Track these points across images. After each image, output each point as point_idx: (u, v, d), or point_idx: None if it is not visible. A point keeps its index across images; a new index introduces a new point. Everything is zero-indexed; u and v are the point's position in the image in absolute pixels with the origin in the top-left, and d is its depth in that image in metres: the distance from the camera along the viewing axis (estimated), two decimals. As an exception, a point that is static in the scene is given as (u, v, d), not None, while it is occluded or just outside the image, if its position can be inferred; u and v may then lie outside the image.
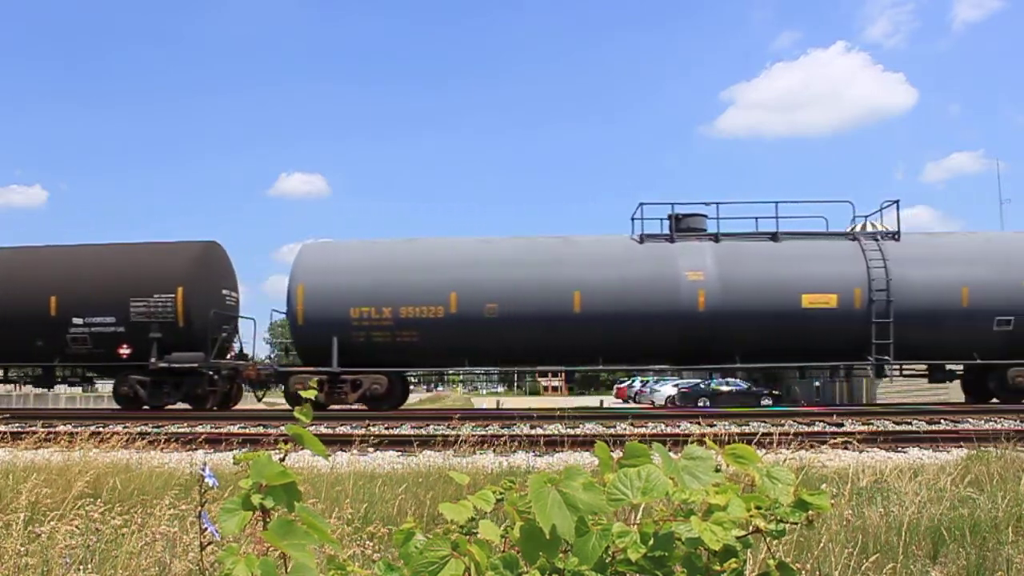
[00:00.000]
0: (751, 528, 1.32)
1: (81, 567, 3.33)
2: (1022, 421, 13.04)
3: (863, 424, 13.23)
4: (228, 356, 18.79)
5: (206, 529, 1.56)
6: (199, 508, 1.71)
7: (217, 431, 12.18)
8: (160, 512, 4.07)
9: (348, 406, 16.97)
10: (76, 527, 3.75)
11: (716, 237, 17.27)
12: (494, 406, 30.69)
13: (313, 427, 2.76)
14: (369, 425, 12.98)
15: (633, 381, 46.42)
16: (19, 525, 3.62)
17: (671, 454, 1.38)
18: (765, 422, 13.35)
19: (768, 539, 1.34)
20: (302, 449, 1.39)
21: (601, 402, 38.63)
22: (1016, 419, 13.39)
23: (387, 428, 12.57)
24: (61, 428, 11.18)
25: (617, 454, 1.41)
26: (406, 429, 12.49)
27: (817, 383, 31.44)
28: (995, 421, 13.25)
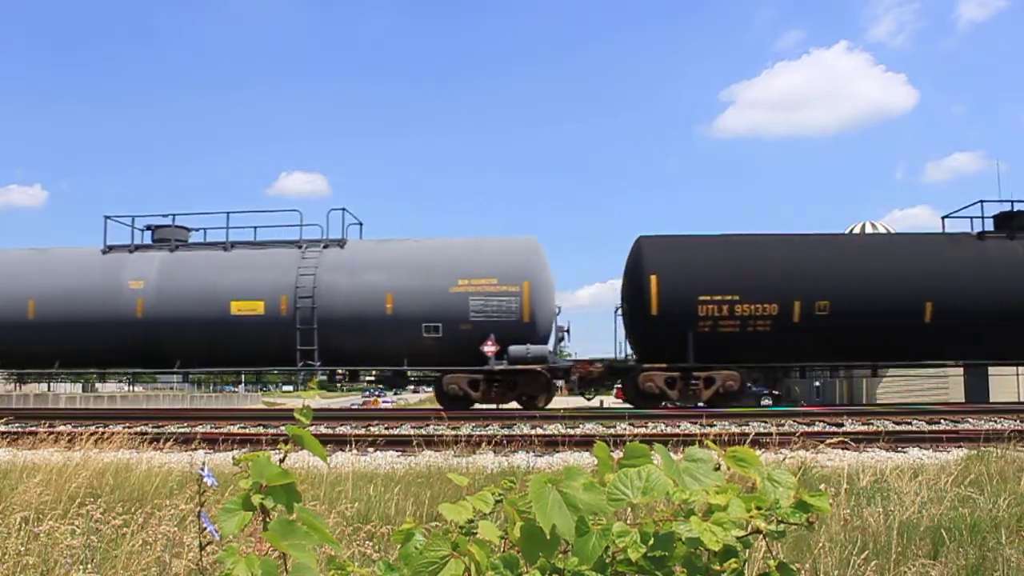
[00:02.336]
0: (751, 528, 1.32)
1: (81, 567, 3.33)
2: (1022, 421, 13.04)
3: (863, 424, 13.24)
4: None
5: (205, 529, 1.56)
6: (198, 508, 1.72)
7: (217, 431, 12.18)
8: (160, 512, 4.07)
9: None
10: (76, 527, 3.75)
11: (174, 247, 18.01)
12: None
13: (313, 427, 2.76)
14: (369, 425, 12.99)
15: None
16: (19, 525, 3.63)
17: (672, 454, 1.38)
18: (765, 422, 13.35)
19: (768, 539, 1.34)
20: (302, 449, 1.40)
21: (601, 402, 38.63)
22: (1016, 419, 13.40)
23: (387, 428, 12.58)
24: (61, 428, 11.18)
25: (617, 454, 1.41)
26: (406, 429, 12.50)
27: (817, 383, 31.48)
28: (995, 421, 13.25)
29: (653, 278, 16.84)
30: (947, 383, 26.36)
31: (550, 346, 17.37)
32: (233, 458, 1.46)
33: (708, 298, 16.56)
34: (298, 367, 16.89)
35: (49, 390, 49.06)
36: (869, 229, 23.21)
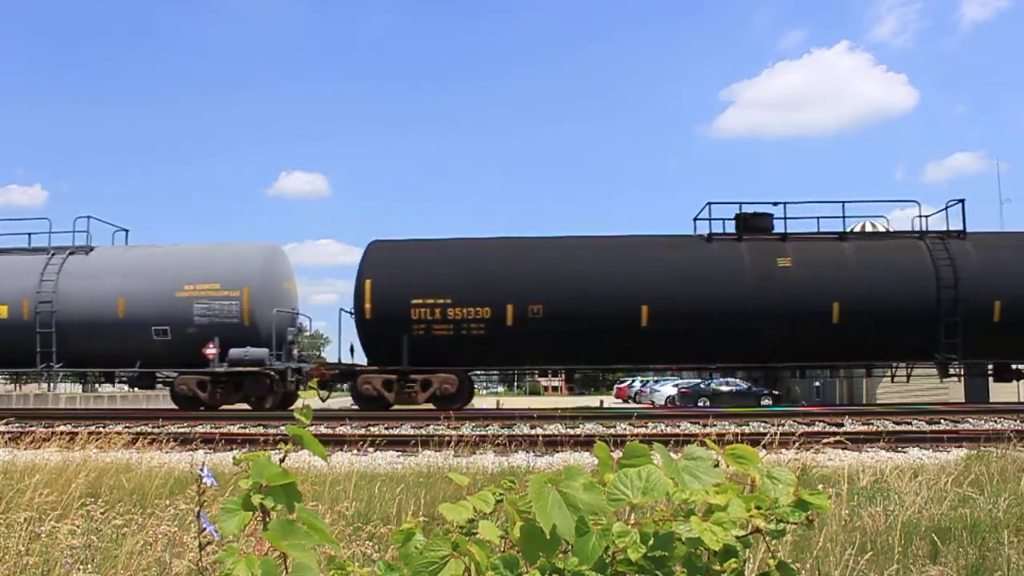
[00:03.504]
0: (751, 528, 1.32)
1: (82, 567, 3.33)
2: (1022, 421, 13.04)
3: (863, 424, 13.23)
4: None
5: (205, 529, 1.56)
6: (198, 508, 1.72)
7: (216, 431, 12.18)
8: (160, 512, 4.07)
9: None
10: (77, 527, 3.75)
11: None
12: (494, 406, 30.67)
13: (313, 427, 2.76)
14: (369, 425, 12.98)
15: (633, 381, 46.45)
16: (20, 525, 3.63)
17: (671, 454, 1.38)
18: (765, 422, 13.35)
19: (768, 539, 1.34)
20: (302, 449, 1.39)
21: (601, 402, 38.63)
22: (1016, 419, 13.39)
23: (387, 428, 12.58)
24: (61, 428, 11.18)
25: (617, 454, 1.41)
26: (406, 429, 12.49)
27: (817, 383, 31.46)
28: (995, 421, 13.25)
29: (368, 282, 17.08)
30: (947, 383, 26.34)
31: (289, 349, 18.14)
32: (233, 458, 1.46)
33: (421, 301, 16.71)
34: (38, 369, 17.74)
35: (50, 390, 48.99)
36: (869, 228, 23.17)
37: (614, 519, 1.31)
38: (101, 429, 10.68)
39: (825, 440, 8.82)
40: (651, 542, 1.28)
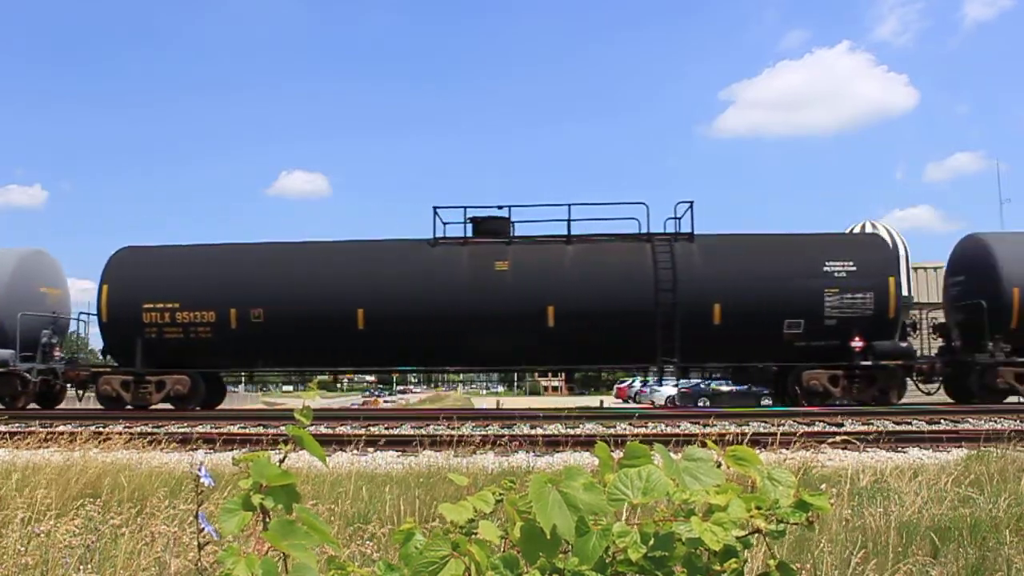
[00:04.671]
0: (751, 528, 1.32)
1: (81, 567, 3.33)
2: (1022, 421, 13.04)
3: (863, 424, 13.23)
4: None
5: (203, 529, 1.56)
6: (196, 508, 1.72)
7: (216, 431, 12.18)
8: (160, 512, 4.07)
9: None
10: (76, 527, 3.75)
11: None
12: (494, 406, 30.68)
13: (313, 427, 2.76)
14: (369, 425, 12.99)
15: (633, 381, 46.45)
16: (19, 525, 3.63)
17: (672, 454, 1.38)
18: (765, 422, 13.35)
19: (768, 539, 1.34)
20: (302, 449, 1.39)
21: (601, 402, 38.64)
22: (1016, 419, 13.39)
23: (387, 428, 12.58)
24: (61, 428, 11.18)
25: (617, 454, 1.41)
26: (406, 429, 12.50)
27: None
28: (995, 421, 13.25)
29: (104, 287, 17.70)
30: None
31: (48, 351, 19.13)
32: (233, 458, 1.46)
33: (152, 306, 17.30)
34: None
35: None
36: (869, 229, 23.18)
37: (614, 519, 1.31)
38: (101, 429, 10.68)
39: (830, 441, 8.82)
40: (651, 542, 1.28)
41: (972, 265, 18.09)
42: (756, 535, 1.33)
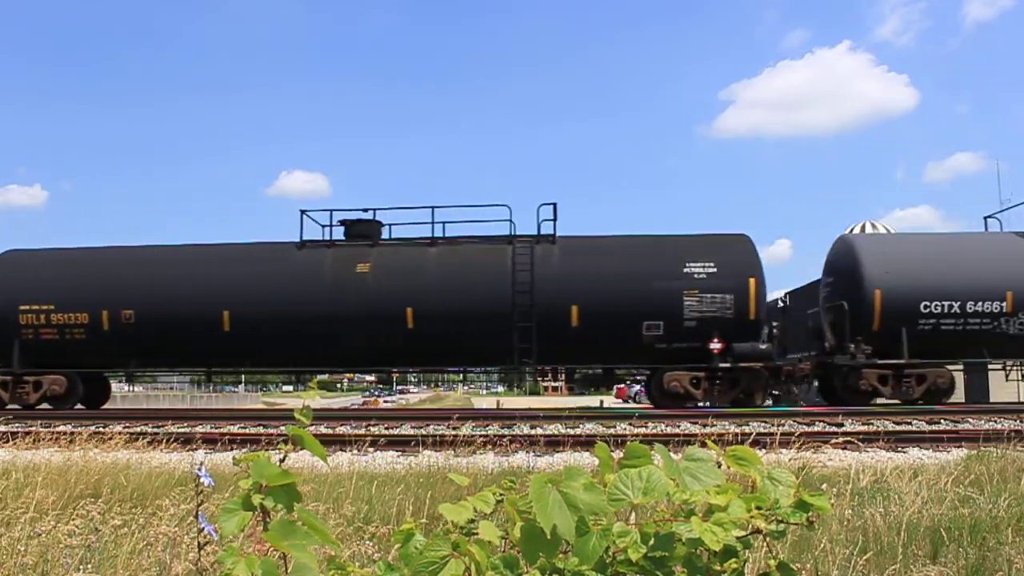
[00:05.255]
0: (751, 528, 1.32)
1: (81, 567, 3.33)
2: (1022, 421, 13.04)
3: (863, 424, 13.23)
4: None
5: (203, 529, 1.56)
6: (196, 508, 1.72)
7: (216, 431, 12.18)
8: (161, 512, 4.07)
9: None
10: (76, 527, 3.75)
11: None
12: (494, 406, 30.68)
13: (313, 427, 2.76)
14: (369, 425, 12.99)
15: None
16: (20, 525, 3.62)
17: (672, 454, 1.38)
18: (765, 422, 13.35)
19: (768, 539, 1.34)
20: (302, 449, 1.40)
21: (601, 402, 38.64)
22: (1016, 419, 13.39)
23: (387, 428, 12.58)
24: (61, 428, 11.18)
25: (618, 454, 1.41)
26: (406, 429, 12.50)
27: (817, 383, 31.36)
28: (995, 421, 13.25)
29: None
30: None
31: None
32: (233, 458, 1.46)
33: (28, 307, 17.71)
34: None
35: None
36: (869, 229, 23.21)
37: (614, 519, 1.31)
38: (102, 429, 10.68)
39: (832, 441, 8.82)
40: (651, 542, 1.28)
41: (840, 267, 17.99)
42: (756, 535, 1.33)
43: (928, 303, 16.77)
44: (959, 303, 16.78)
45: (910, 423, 13.25)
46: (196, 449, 10.16)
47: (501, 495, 1.49)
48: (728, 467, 1.39)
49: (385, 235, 18.00)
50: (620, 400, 46.65)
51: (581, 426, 12.71)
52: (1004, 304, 16.76)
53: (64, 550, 3.39)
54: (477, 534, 1.36)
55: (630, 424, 13.38)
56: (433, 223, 17.46)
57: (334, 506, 4.94)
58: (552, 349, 16.62)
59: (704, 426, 12.42)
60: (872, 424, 13.20)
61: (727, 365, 16.58)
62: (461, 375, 20.99)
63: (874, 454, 9.45)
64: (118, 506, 4.72)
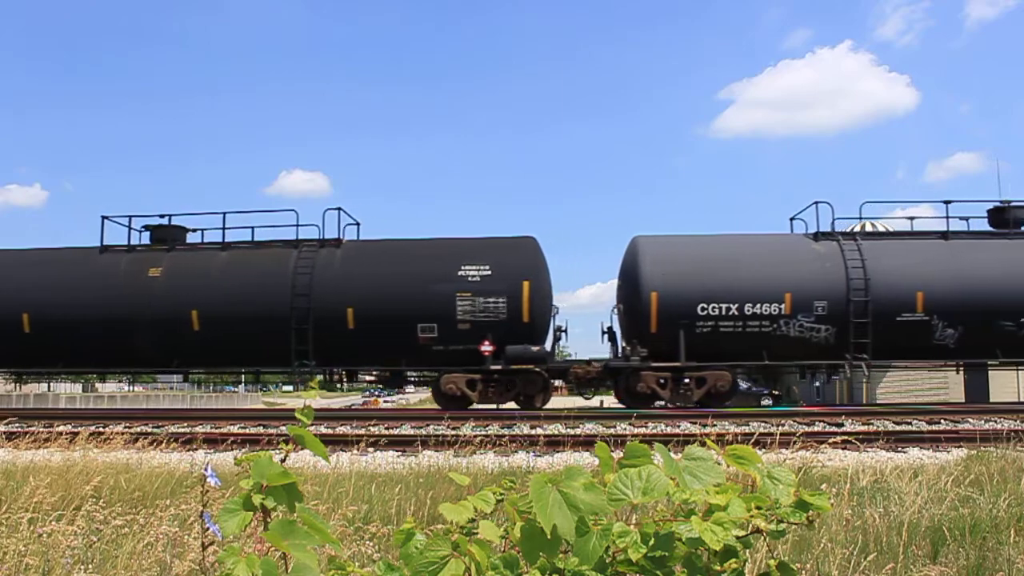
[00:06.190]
0: (751, 528, 1.32)
1: (82, 567, 3.33)
2: (1022, 421, 13.04)
3: (863, 424, 13.24)
4: None
5: (208, 529, 1.56)
6: (201, 508, 1.72)
7: (217, 431, 12.18)
8: (162, 512, 4.07)
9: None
10: (77, 527, 3.75)
11: None
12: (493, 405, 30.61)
13: (313, 427, 2.76)
14: (369, 425, 12.98)
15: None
16: (21, 525, 3.63)
17: (672, 454, 1.38)
18: (765, 422, 13.35)
19: (768, 539, 1.34)
20: (303, 449, 1.40)
21: (601, 402, 38.57)
22: (1016, 419, 13.40)
23: (387, 428, 12.58)
24: (61, 428, 11.18)
25: (618, 454, 1.41)
26: (406, 429, 12.50)
27: (817, 383, 31.44)
28: (995, 421, 13.25)
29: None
30: (947, 383, 26.37)
31: None
32: (234, 458, 1.46)
33: None
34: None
35: (49, 390, 48.93)
36: (869, 228, 23.18)
37: (614, 519, 1.31)
38: (102, 429, 10.68)
39: (830, 440, 8.82)
40: (651, 542, 1.28)
41: (625, 268, 18.00)
42: (756, 535, 1.33)
43: (706, 305, 16.64)
44: (737, 305, 16.62)
45: (910, 423, 13.26)
46: (196, 449, 10.16)
47: (501, 495, 1.49)
48: (728, 466, 1.39)
49: (196, 240, 18.70)
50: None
51: (581, 426, 12.71)
52: (783, 306, 16.58)
53: (65, 550, 3.39)
54: (477, 534, 1.36)
55: (630, 424, 13.38)
56: (224, 228, 18.16)
57: (334, 506, 4.94)
58: (330, 351, 17.04)
59: (704, 426, 12.43)
60: (872, 424, 13.21)
61: (498, 368, 16.64)
62: (253, 376, 22.10)
63: (874, 454, 9.46)
64: (119, 506, 4.73)
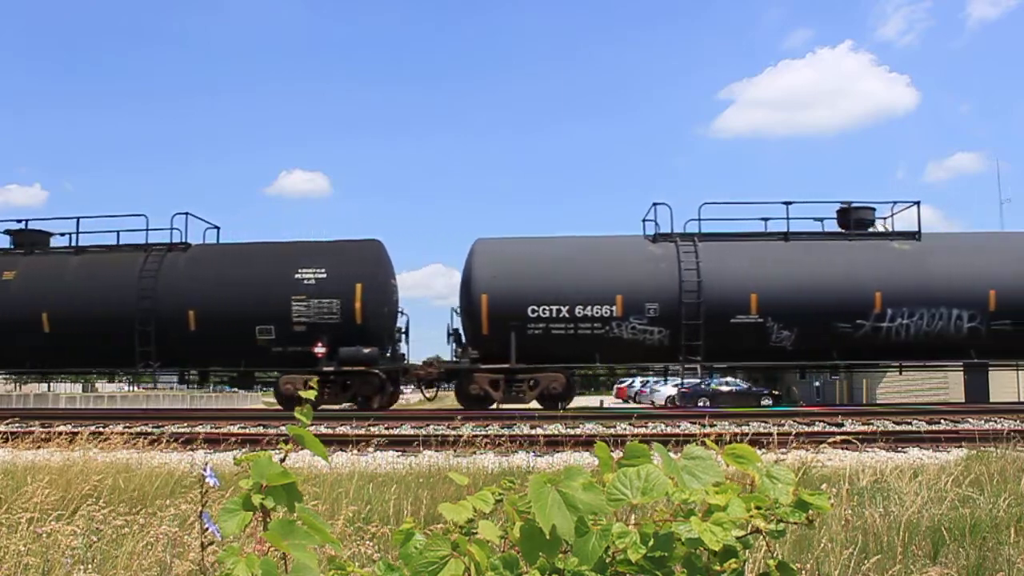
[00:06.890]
0: (751, 528, 1.32)
1: (82, 567, 3.33)
2: (1022, 421, 13.04)
3: (863, 424, 13.24)
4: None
5: (207, 529, 1.56)
6: (201, 508, 1.72)
7: (217, 431, 12.18)
8: (161, 512, 4.07)
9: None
10: (77, 527, 3.75)
11: None
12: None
13: (313, 427, 2.77)
14: (369, 425, 12.98)
15: (633, 381, 46.42)
16: (21, 525, 3.63)
17: (671, 454, 1.38)
18: (765, 422, 13.36)
19: (768, 539, 1.34)
20: (303, 449, 1.40)
21: (601, 402, 38.61)
22: (1016, 419, 13.40)
23: (387, 428, 12.57)
24: (61, 428, 11.18)
25: (617, 454, 1.41)
26: (406, 429, 12.49)
27: (817, 383, 31.40)
28: (995, 421, 13.25)
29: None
30: (947, 383, 26.36)
31: None
32: (234, 458, 1.46)
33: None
34: None
35: (49, 390, 48.89)
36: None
37: (614, 519, 1.31)
38: (102, 429, 10.68)
39: (830, 440, 8.82)
40: (651, 542, 1.28)
41: (464, 270, 18.12)
42: (756, 535, 1.33)
43: (536, 307, 16.61)
44: (568, 307, 16.56)
45: (910, 423, 13.26)
46: (196, 449, 10.16)
47: (501, 495, 1.49)
48: (727, 466, 1.39)
49: (64, 243, 18.98)
50: (620, 400, 46.62)
51: (581, 426, 12.71)
52: (614, 308, 16.50)
53: (65, 550, 3.39)
54: (477, 534, 1.36)
55: (630, 424, 13.38)
56: (78, 233, 18.59)
57: (334, 506, 4.94)
58: (172, 352, 17.45)
59: (704, 426, 12.43)
60: (872, 424, 13.21)
61: (331, 369, 16.82)
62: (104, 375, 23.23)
63: (874, 454, 9.46)
64: (119, 506, 4.73)
